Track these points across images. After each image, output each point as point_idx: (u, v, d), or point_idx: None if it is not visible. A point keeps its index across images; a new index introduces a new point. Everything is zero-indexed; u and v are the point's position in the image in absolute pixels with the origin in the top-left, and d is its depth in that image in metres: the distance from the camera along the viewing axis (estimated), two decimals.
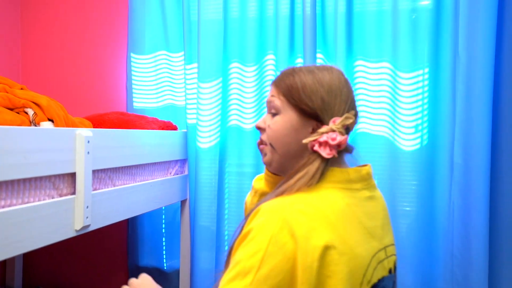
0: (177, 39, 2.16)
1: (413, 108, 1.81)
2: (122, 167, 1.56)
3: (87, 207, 1.31)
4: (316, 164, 0.87)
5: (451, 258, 1.74)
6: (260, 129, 0.99)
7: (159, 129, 1.92)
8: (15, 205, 1.10)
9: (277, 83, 0.96)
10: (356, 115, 0.93)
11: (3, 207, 1.06)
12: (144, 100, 2.20)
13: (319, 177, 0.86)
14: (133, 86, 2.20)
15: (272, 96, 0.96)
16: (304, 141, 0.89)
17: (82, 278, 2.38)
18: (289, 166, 0.94)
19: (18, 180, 1.11)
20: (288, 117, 0.93)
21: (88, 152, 1.31)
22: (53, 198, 1.23)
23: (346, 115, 0.90)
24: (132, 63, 2.19)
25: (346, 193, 0.88)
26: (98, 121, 1.84)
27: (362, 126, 1.89)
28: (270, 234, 0.77)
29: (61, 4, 2.42)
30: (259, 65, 2.02)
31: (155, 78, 2.19)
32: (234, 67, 2.04)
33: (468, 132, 1.69)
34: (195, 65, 2.08)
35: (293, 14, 1.95)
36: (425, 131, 1.81)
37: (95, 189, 1.39)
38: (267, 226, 0.79)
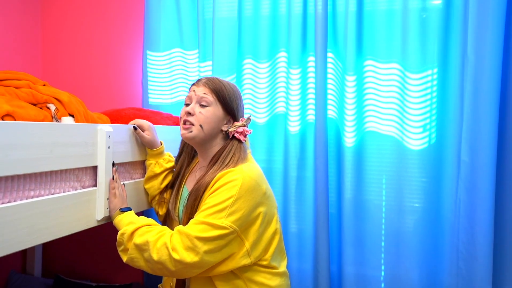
0: (191, 37, 2.21)
1: (422, 108, 1.85)
2: (139, 161, 1.62)
3: (108, 198, 1.39)
4: (236, 145, 1.39)
5: (456, 253, 1.78)
6: (190, 114, 1.39)
7: (173, 124, 1.96)
8: (43, 195, 1.17)
9: (208, 84, 1.40)
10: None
11: (32, 197, 1.13)
12: (159, 96, 2.26)
13: (245, 153, 1.39)
14: (149, 83, 2.26)
15: (205, 94, 1.39)
16: (229, 129, 1.40)
17: (99, 268, 2.45)
18: (206, 142, 1.41)
19: (46, 173, 1.18)
20: (217, 110, 1.39)
21: (109, 147, 1.37)
22: (76, 189, 1.30)
23: (248, 116, 1.43)
24: (148, 60, 2.25)
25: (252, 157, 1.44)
26: (115, 116, 1.89)
27: (370, 125, 1.93)
28: (239, 184, 1.25)
29: (80, 4, 2.47)
30: (272, 62, 2.07)
31: (170, 75, 2.25)
32: (247, 63, 2.09)
33: (475, 131, 1.73)
34: (210, 62, 2.13)
35: (305, 12, 1.99)
36: (433, 130, 1.85)
37: None
38: (235, 180, 1.26)
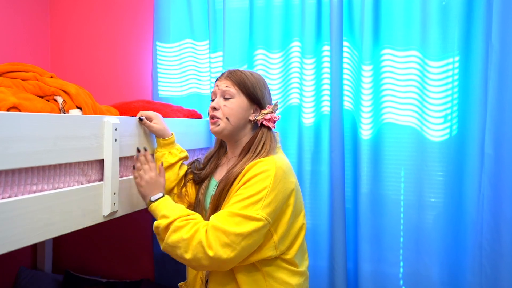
0: (202, 27, 2.16)
1: (443, 97, 1.77)
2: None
3: (114, 193, 1.33)
4: (266, 133, 1.38)
5: (479, 250, 1.71)
6: (215, 108, 1.39)
7: (184, 117, 1.92)
8: (46, 190, 1.12)
9: (230, 77, 1.39)
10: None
11: (35, 192, 1.08)
12: (169, 88, 2.21)
13: (276, 141, 1.39)
14: (159, 75, 2.21)
15: (227, 86, 1.38)
16: (256, 117, 1.38)
17: (109, 263, 2.43)
18: (235, 134, 1.40)
19: (49, 166, 1.13)
20: (241, 101, 1.38)
21: (116, 140, 1.32)
22: (82, 184, 1.25)
23: (274, 102, 1.42)
24: (157, 52, 2.20)
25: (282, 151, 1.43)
26: (125, 109, 1.85)
27: (388, 116, 1.86)
28: (273, 174, 1.23)
29: None
30: (285, 52, 2.01)
31: (180, 66, 2.20)
32: (259, 53, 2.03)
33: (500, 122, 1.65)
34: (220, 53, 2.08)
35: (320, 0, 1.92)
36: (454, 121, 1.77)
37: (122, 176, 1.41)
38: (268, 171, 1.24)
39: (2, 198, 1.00)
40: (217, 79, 1.43)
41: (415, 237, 1.83)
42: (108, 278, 2.36)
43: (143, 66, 2.34)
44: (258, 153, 1.32)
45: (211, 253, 1.16)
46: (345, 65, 1.89)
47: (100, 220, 1.30)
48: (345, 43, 1.88)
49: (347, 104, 1.91)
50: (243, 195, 1.23)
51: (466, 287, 1.77)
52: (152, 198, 1.32)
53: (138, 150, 1.38)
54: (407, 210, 1.84)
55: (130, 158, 1.46)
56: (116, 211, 1.35)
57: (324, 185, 1.95)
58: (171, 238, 1.21)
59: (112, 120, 1.31)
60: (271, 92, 1.99)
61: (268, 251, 1.26)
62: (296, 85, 1.99)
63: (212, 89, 1.45)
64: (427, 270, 1.80)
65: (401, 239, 1.86)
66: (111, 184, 1.31)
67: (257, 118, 1.38)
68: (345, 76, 1.90)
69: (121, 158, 1.38)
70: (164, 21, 2.18)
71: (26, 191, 1.06)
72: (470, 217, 1.76)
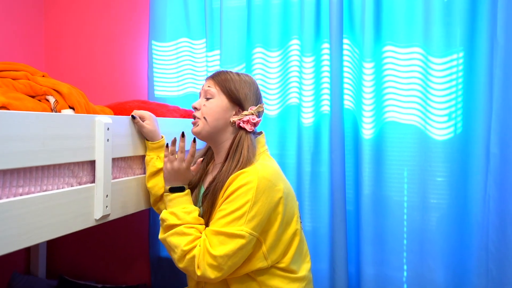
0: (199, 26, 2.11)
1: (446, 95, 1.72)
2: (142, 156, 1.52)
3: (107, 196, 1.28)
4: (244, 136, 1.30)
5: (486, 253, 1.66)
6: (196, 108, 1.37)
7: (180, 117, 1.87)
8: (33, 192, 1.07)
9: (213, 77, 1.37)
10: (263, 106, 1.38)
11: (21, 194, 1.03)
12: (165, 88, 2.16)
13: (254, 146, 1.31)
14: (155, 74, 2.16)
15: (209, 86, 1.35)
16: (233, 119, 1.32)
17: (104, 268, 2.38)
18: (214, 136, 1.35)
19: (37, 167, 1.08)
20: (221, 101, 1.33)
21: (108, 140, 1.27)
22: (72, 186, 1.20)
23: (259, 105, 1.36)
24: (153, 51, 2.15)
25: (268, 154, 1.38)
26: (119, 109, 1.81)
27: (390, 115, 1.81)
28: (254, 187, 1.19)
29: None
30: (284, 50, 1.96)
31: (176, 65, 2.15)
32: (257, 52, 1.98)
33: (505, 120, 1.60)
34: (218, 51, 2.03)
35: None
36: (459, 119, 1.72)
37: (115, 178, 1.36)
38: (250, 183, 1.19)
39: None
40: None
41: (419, 239, 1.77)
42: (104, 283, 2.31)
43: (138, 66, 2.30)
44: (238, 161, 1.26)
45: (199, 273, 1.18)
46: (345, 63, 1.84)
47: (91, 223, 1.25)
48: (345, 40, 1.83)
49: (348, 103, 1.86)
50: (226, 210, 1.20)
51: None
52: (171, 188, 1.32)
53: (183, 135, 1.36)
54: (411, 212, 1.79)
55: (123, 159, 1.41)
56: (108, 214, 1.30)
57: (324, 186, 1.90)
58: (172, 239, 1.23)
59: (104, 119, 1.26)
60: (270, 92, 1.96)
61: (258, 263, 1.24)
62: (295, 84, 1.94)
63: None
64: (431, 273, 1.75)
65: (405, 242, 1.81)
66: (103, 186, 1.26)
67: (233, 119, 1.33)
68: (345, 74, 1.85)
69: (113, 159, 1.33)
70: (160, 20, 2.14)
71: (12, 193, 1.01)
72: (475, 218, 1.70)
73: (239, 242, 1.17)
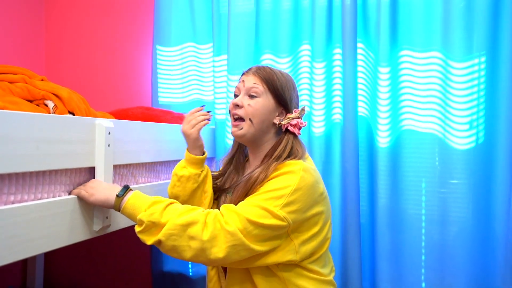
0: (205, 30, 2.05)
1: (467, 101, 1.64)
2: (145, 163, 1.44)
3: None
4: (292, 140, 1.25)
5: (511, 271, 1.57)
6: (238, 106, 1.25)
7: None
8: (26, 200, 0.98)
9: (258, 73, 1.26)
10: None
11: (12, 202, 0.94)
12: (170, 94, 2.09)
13: (302, 147, 1.27)
14: (159, 80, 2.09)
15: (255, 83, 1.25)
16: (283, 122, 1.25)
17: (104, 281, 2.30)
18: (258, 138, 1.27)
19: (31, 173, 0.99)
20: (268, 101, 1.25)
21: (109, 145, 1.19)
22: (70, 194, 1.10)
23: (302, 107, 1.28)
24: (157, 56, 2.09)
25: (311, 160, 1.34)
26: (122, 116, 1.75)
27: (407, 123, 1.73)
28: (299, 175, 1.13)
29: None
30: (294, 56, 1.88)
31: (182, 71, 2.08)
32: (266, 58, 1.91)
33: None
34: (225, 56, 1.96)
35: (331, 4, 1.81)
36: (480, 127, 1.63)
37: None
38: (296, 172, 1.14)
39: None
40: (242, 74, 1.31)
41: (438, 255, 1.68)
42: None
43: (142, 71, 2.24)
44: (285, 158, 1.21)
45: (229, 228, 1.06)
46: (359, 68, 1.77)
47: (90, 235, 1.15)
48: (359, 45, 1.76)
49: (362, 110, 1.78)
50: (267, 188, 1.14)
51: None
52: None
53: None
54: (429, 226, 1.70)
55: (125, 166, 1.32)
56: (109, 225, 1.21)
57: (335, 198, 1.80)
58: (182, 219, 1.07)
59: (105, 123, 1.18)
60: None
61: (289, 254, 1.15)
62: (306, 91, 1.86)
63: (237, 84, 1.31)
64: None
65: (423, 257, 1.72)
66: None
67: (282, 122, 1.25)
68: (359, 80, 1.76)
69: (115, 166, 1.24)
70: (165, 24, 2.07)
71: (2, 201, 0.92)
72: (499, 233, 1.60)
73: (274, 221, 1.09)
